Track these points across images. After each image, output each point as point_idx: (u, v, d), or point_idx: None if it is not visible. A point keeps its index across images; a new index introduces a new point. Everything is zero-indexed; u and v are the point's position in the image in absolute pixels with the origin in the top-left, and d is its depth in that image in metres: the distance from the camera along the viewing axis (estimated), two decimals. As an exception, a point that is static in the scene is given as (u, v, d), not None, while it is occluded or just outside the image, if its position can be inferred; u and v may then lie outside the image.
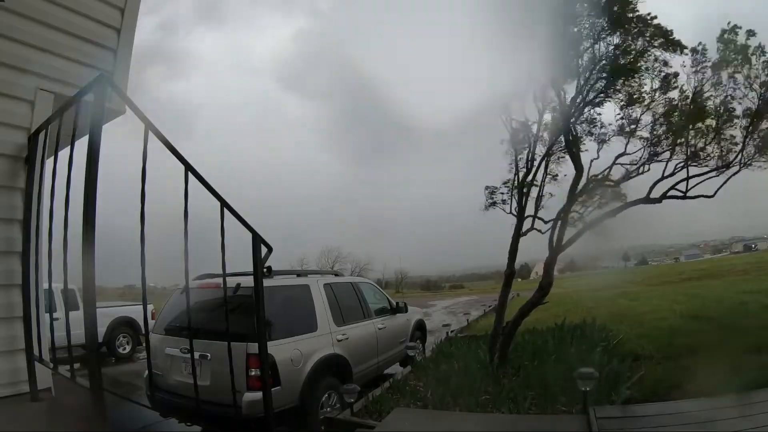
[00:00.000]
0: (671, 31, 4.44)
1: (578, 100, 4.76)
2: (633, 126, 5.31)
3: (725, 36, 4.63)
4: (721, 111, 4.93)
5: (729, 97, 4.85)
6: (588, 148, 5.38)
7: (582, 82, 4.65)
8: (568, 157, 5.55)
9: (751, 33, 4.52)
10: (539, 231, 6.04)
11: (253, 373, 3.34)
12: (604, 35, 4.45)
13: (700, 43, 4.81)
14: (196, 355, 2.76)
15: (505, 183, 6.30)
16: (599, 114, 5.29)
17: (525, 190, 5.62)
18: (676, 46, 4.52)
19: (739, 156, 4.89)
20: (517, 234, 5.46)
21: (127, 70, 3.15)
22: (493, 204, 6.35)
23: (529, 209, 5.74)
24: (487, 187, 6.45)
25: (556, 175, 6.03)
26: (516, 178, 5.86)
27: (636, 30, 4.41)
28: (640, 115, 5.27)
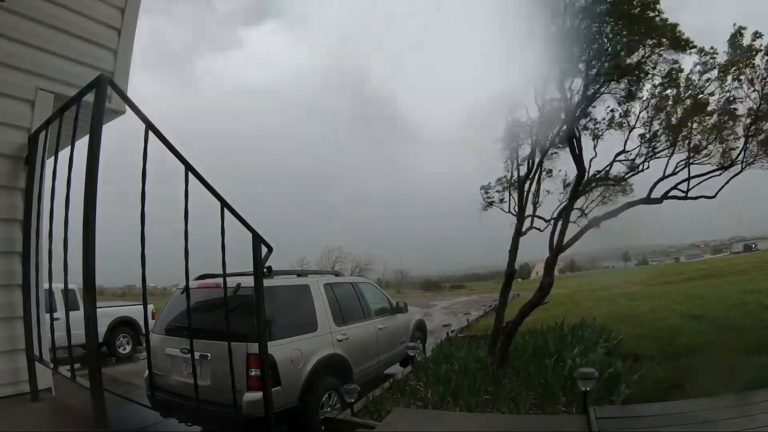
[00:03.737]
0: (678, 29, 4.30)
1: (583, 100, 4.74)
2: (633, 122, 5.32)
3: (735, 39, 4.61)
4: (726, 110, 4.92)
5: (732, 97, 4.85)
6: (586, 146, 5.37)
7: (587, 82, 4.62)
8: (560, 153, 5.59)
9: (757, 35, 4.49)
10: (538, 230, 6.04)
11: (253, 373, 3.34)
12: (611, 34, 4.39)
13: (712, 47, 4.79)
14: (197, 355, 2.76)
15: (498, 180, 6.32)
16: (609, 109, 5.29)
17: (526, 188, 5.61)
18: (684, 44, 4.42)
19: (742, 155, 4.89)
20: (518, 233, 5.44)
21: (127, 70, 3.15)
22: (491, 204, 6.36)
23: (528, 208, 5.75)
24: (482, 187, 6.46)
25: (551, 171, 6.03)
26: (516, 176, 5.83)
27: (643, 29, 4.31)
28: (640, 111, 5.26)
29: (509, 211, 6.12)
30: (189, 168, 2.17)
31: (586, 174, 5.09)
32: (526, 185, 5.59)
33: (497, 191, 6.35)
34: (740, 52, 4.61)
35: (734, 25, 4.61)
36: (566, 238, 4.93)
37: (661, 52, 4.52)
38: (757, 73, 4.62)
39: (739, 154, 4.89)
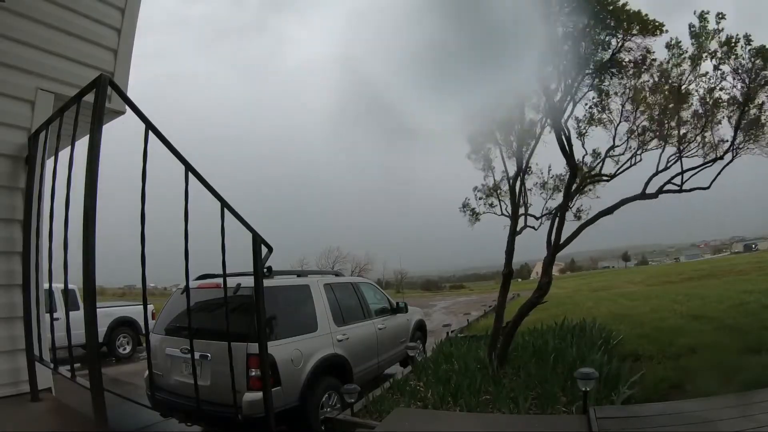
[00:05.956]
0: (646, 15, 4.28)
1: (567, 99, 4.75)
2: (618, 117, 5.35)
3: (700, 25, 4.60)
4: (708, 99, 4.92)
5: (717, 87, 4.85)
6: (575, 144, 5.38)
7: (569, 82, 4.61)
8: (541, 150, 5.61)
9: (720, 16, 4.46)
10: (533, 228, 6.05)
11: (253, 373, 3.34)
12: (586, 31, 4.36)
13: (672, 38, 4.79)
14: (197, 355, 2.76)
15: (476, 188, 6.37)
16: (588, 106, 5.31)
17: (518, 189, 5.62)
18: (654, 28, 4.39)
19: (731, 145, 4.91)
20: (513, 234, 5.46)
21: (128, 70, 3.15)
22: (477, 218, 6.41)
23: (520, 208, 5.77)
24: (463, 206, 6.50)
25: (530, 167, 6.06)
26: (506, 179, 5.90)
27: (614, 22, 4.29)
28: (622, 105, 5.27)
29: (502, 214, 6.15)
30: (189, 168, 2.16)
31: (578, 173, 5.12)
32: (517, 185, 5.61)
33: (480, 198, 6.41)
34: (710, 36, 4.58)
35: (694, 12, 4.59)
36: (563, 237, 4.94)
37: (632, 39, 4.47)
38: (741, 63, 4.59)
39: (731, 145, 4.90)
